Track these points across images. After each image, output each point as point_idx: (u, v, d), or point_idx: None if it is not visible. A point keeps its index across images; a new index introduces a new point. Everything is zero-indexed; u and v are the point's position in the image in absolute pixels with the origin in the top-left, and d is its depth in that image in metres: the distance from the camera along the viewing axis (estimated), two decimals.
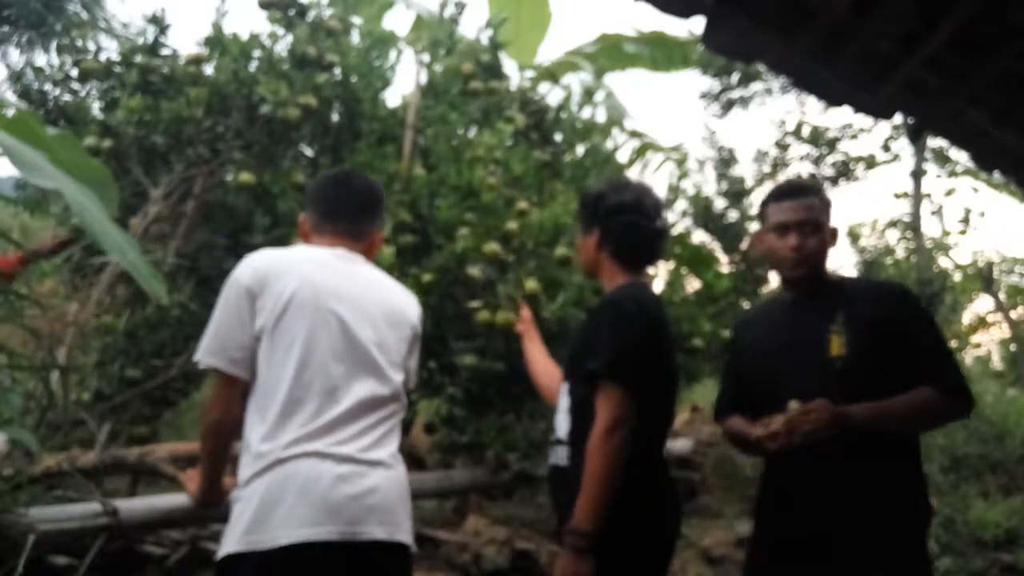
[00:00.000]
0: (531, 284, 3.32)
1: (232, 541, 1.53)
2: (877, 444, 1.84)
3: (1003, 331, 13.15)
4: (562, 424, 1.95)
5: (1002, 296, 12.84)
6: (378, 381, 1.69)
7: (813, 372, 1.93)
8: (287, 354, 1.61)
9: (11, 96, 3.85)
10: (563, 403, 1.97)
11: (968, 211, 12.17)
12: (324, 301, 1.66)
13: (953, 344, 8.43)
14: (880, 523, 1.83)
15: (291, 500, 1.52)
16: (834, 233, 2.03)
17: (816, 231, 1.98)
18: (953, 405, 1.87)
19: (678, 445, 4.28)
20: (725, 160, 8.92)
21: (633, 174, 8.41)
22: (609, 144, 5.31)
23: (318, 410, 1.60)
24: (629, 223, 2.00)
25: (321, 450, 1.56)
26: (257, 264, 1.69)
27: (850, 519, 1.84)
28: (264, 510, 1.52)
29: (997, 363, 13.64)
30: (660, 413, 1.96)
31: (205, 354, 1.65)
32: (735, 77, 9.10)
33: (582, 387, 1.86)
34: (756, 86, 9.17)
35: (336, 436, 1.59)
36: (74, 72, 3.75)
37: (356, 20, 4.26)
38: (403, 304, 1.84)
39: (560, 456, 1.93)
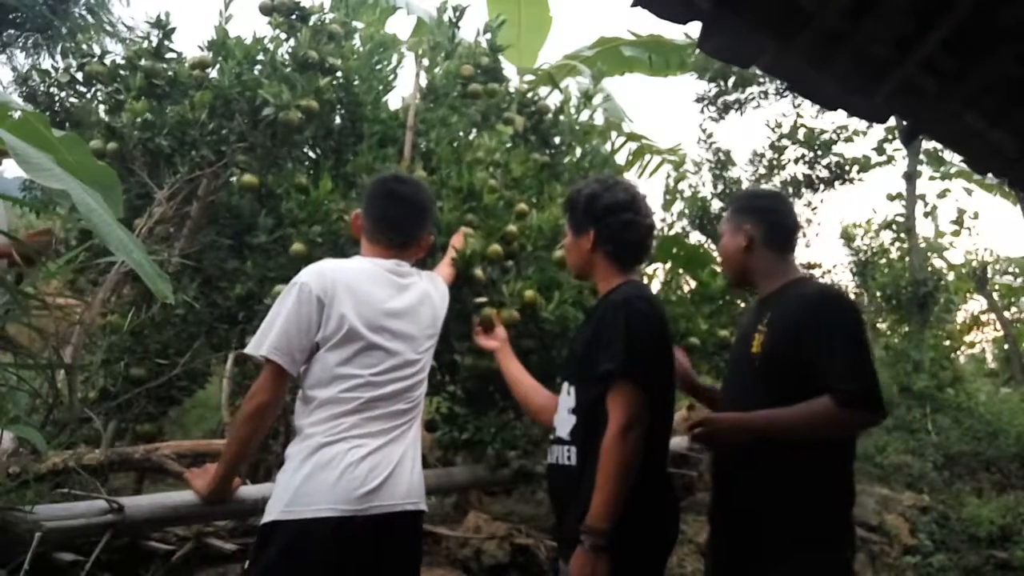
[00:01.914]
0: (529, 293, 3.36)
1: (274, 511, 1.74)
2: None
3: (997, 330, 13.24)
4: (565, 423, 1.96)
5: (995, 296, 12.92)
6: (412, 390, 1.95)
7: (739, 366, 2.13)
8: (342, 365, 1.83)
9: (17, 98, 3.88)
10: (566, 402, 1.98)
11: (962, 212, 12.26)
12: (377, 324, 1.88)
13: (947, 342, 8.48)
14: (789, 507, 1.90)
15: (332, 479, 1.74)
16: (747, 233, 2.13)
17: (722, 240, 2.24)
18: (849, 415, 1.85)
19: (675, 442, 4.30)
20: (721, 162, 8.99)
21: (631, 176, 8.47)
22: (607, 146, 5.35)
23: (359, 408, 1.83)
24: (627, 222, 2.02)
25: (361, 440, 1.81)
26: (327, 275, 1.87)
27: (762, 503, 1.95)
28: (307, 487, 1.73)
29: (991, 362, 13.72)
30: (665, 412, 1.99)
31: (272, 351, 1.80)
32: (731, 81, 9.15)
33: (593, 387, 1.87)
34: (752, 89, 9.21)
35: (374, 428, 1.84)
36: (79, 75, 3.77)
37: (358, 24, 4.29)
38: (438, 311, 2.10)
39: (562, 455, 1.94)
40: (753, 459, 1.95)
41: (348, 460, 1.75)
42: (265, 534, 1.74)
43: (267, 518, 1.75)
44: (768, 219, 2.15)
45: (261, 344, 1.81)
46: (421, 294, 2.03)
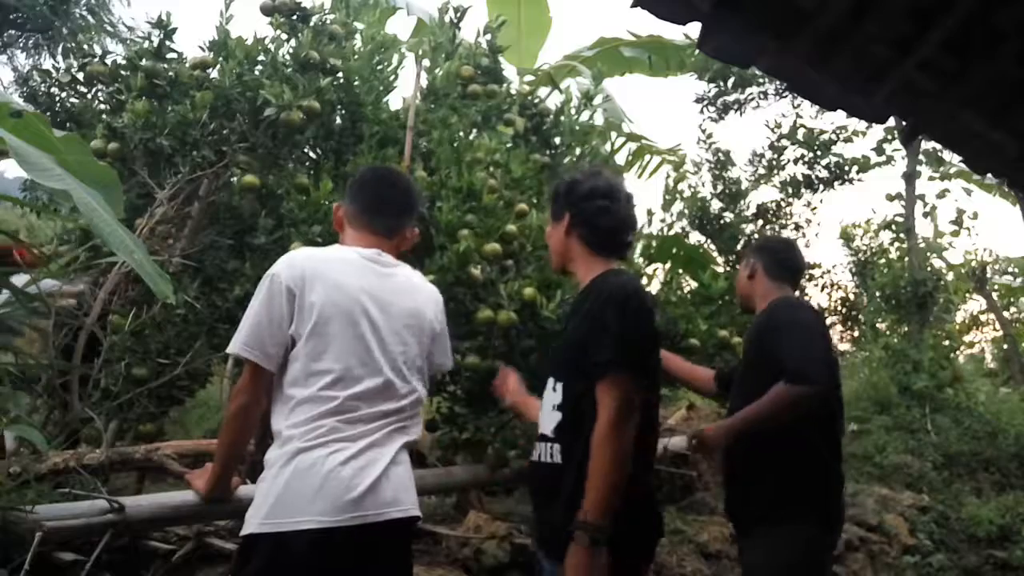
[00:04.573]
0: (529, 291, 3.36)
1: (255, 523, 1.64)
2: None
3: (996, 330, 13.24)
4: (549, 420, 1.92)
5: (995, 296, 12.92)
6: (398, 386, 1.81)
7: (739, 372, 2.55)
8: (316, 359, 1.72)
9: (18, 99, 3.88)
10: (551, 398, 1.94)
11: (961, 212, 12.24)
12: (353, 312, 1.77)
13: (947, 342, 8.47)
14: (763, 488, 2.30)
15: (314, 486, 1.63)
16: (752, 269, 2.61)
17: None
18: (795, 391, 2.16)
19: (674, 442, 4.30)
20: (721, 162, 9.00)
21: (631, 176, 8.48)
22: (607, 147, 5.36)
23: (339, 408, 1.71)
24: (601, 208, 2.00)
25: (342, 444, 1.69)
26: (298, 264, 1.78)
27: (742, 485, 2.43)
28: (287, 495, 1.63)
29: (990, 362, 13.72)
30: (652, 402, 1.97)
31: (243, 347, 1.74)
32: (731, 81, 9.16)
33: (581, 381, 1.83)
34: (752, 90, 9.22)
35: (356, 430, 1.72)
36: (80, 75, 3.78)
37: (358, 25, 4.30)
38: (424, 307, 1.95)
39: (546, 452, 1.91)
40: (735, 449, 2.36)
41: (329, 465, 1.64)
42: (245, 548, 1.66)
43: (246, 530, 1.65)
44: (769, 255, 2.61)
45: (236, 341, 1.75)
46: (404, 284, 1.92)
